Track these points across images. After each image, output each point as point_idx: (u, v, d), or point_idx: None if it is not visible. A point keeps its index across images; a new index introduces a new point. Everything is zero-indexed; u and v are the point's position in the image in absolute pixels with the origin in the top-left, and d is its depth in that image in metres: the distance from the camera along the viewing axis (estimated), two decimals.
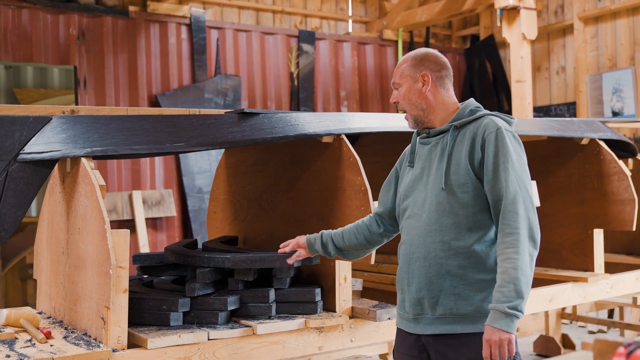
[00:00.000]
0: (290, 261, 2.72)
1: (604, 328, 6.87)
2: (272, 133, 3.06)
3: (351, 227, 2.68)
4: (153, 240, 6.94)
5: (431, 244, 2.32)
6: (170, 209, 6.98)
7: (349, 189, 3.11)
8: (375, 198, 2.98)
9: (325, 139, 3.20)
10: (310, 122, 3.19)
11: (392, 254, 4.32)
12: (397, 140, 4.25)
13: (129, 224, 6.73)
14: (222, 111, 3.16)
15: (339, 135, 3.19)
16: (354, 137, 4.62)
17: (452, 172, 2.32)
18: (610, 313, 7.07)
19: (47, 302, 3.19)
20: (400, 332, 2.47)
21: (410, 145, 2.56)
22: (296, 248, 2.70)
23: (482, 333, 2.25)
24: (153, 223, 6.96)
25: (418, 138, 2.51)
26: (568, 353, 5.58)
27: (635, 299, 5.50)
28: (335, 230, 2.70)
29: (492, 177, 2.27)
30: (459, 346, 2.28)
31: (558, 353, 5.66)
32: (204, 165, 7.19)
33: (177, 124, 2.97)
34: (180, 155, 7.02)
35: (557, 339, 5.76)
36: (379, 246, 2.70)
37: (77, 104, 6.64)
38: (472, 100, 2.47)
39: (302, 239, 2.70)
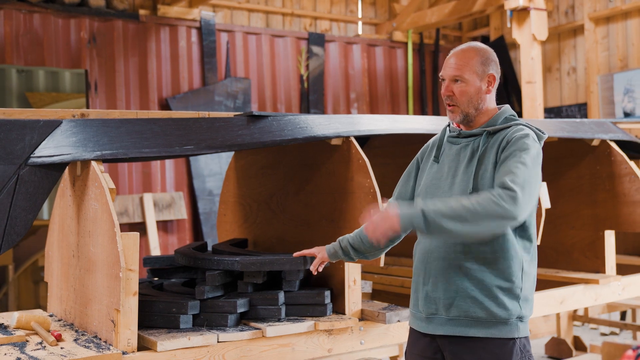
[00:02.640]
0: (314, 270, 2.73)
1: (617, 330, 6.83)
2: (281, 135, 3.06)
3: None
4: (164, 242, 6.96)
5: (452, 245, 2.31)
6: (181, 212, 7.01)
7: (358, 191, 3.10)
8: (384, 199, 2.98)
9: (334, 142, 3.20)
10: (319, 125, 3.19)
11: (402, 256, 4.31)
12: (408, 142, 4.25)
13: (140, 227, 6.76)
14: (231, 114, 3.17)
15: (347, 137, 3.19)
16: (364, 139, 4.62)
17: (480, 177, 2.30)
18: (623, 315, 7.02)
19: (58, 304, 3.20)
20: (413, 333, 2.47)
21: (437, 138, 2.53)
22: (321, 261, 2.71)
23: (496, 339, 2.25)
24: (164, 226, 6.99)
25: (447, 135, 2.48)
26: (578, 356, 5.55)
27: None
28: (351, 235, 2.67)
29: (503, 162, 2.25)
30: (476, 349, 2.28)
31: (570, 355, 5.63)
32: (214, 168, 7.21)
33: (186, 127, 2.98)
34: (191, 158, 7.04)
35: (569, 341, 5.73)
36: (399, 241, 2.67)
37: (88, 107, 6.69)
38: (508, 107, 2.45)
39: (323, 254, 2.71)
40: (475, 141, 2.37)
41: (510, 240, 2.28)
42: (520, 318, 2.29)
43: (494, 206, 2.12)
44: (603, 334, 6.80)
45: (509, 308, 2.26)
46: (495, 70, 2.41)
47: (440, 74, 2.44)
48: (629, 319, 6.83)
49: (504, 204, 2.12)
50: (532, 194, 2.18)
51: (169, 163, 7.04)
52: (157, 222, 6.88)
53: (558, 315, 5.72)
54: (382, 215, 2.21)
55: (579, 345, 5.81)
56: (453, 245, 2.30)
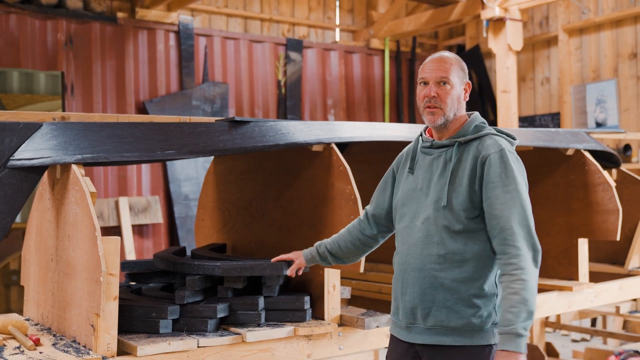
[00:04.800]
0: (291, 274, 2.82)
1: (587, 336, 6.94)
2: (263, 141, 3.07)
3: (344, 234, 2.72)
4: (139, 247, 6.92)
5: (427, 256, 2.34)
6: (157, 216, 6.97)
7: (338, 198, 3.13)
8: (364, 206, 3.00)
9: (315, 148, 3.22)
10: (301, 131, 3.21)
11: (380, 262, 4.34)
12: (385, 149, 4.28)
13: (115, 231, 6.71)
14: (212, 119, 3.17)
15: (329, 144, 3.21)
16: (342, 145, 4.64)
17: (454, 189, 2.33)
18: (593, 322, 7.14)
19: (35, 308, 3.17)
20: (393, 339, 2.50)
21: (411, 148, 2.54)
22: (298, 266, 2.82)
23: (472, 346, 2.29)
24: (139, 230, 6.94)
25: (420, 145, 2.50)
26: None
27: (618, 308, 5.57)
28: (329, 240, 2.74)
29: (493, 195, 2.27)
30: (452, 357, 2.32)
31: None
32: (190, 173, 7.18)
33: (168, 132, 2.97)
34: (167, 163, 7.01)
35: (541, 347, 5.80)
36: (376, 247, 2.75)
37: (64, 109, 6.63)
38: (477, 114, 2.47)
39: (301, 259, 2.80)
40: (447, 152, 2.39)
41: (484, 250, 2.32)
42: (496, 324, 2.33)
43: (533, 271, 2.23)
44: (574, 340, 6.90)
45: (484, 316, 2.30)
46: (469, 79, 2.48)
47: (421, 77, 2.41)
48: (599, 326, 6.94)
49: (532, 265, 2.24)
50: (528, 222, 2.27)
51: (145, 167, 7.00)
52: (133, 226, 6.83)
53: None
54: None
55: (551, 352, 5.89)
56: (428, 256, 2.34)
